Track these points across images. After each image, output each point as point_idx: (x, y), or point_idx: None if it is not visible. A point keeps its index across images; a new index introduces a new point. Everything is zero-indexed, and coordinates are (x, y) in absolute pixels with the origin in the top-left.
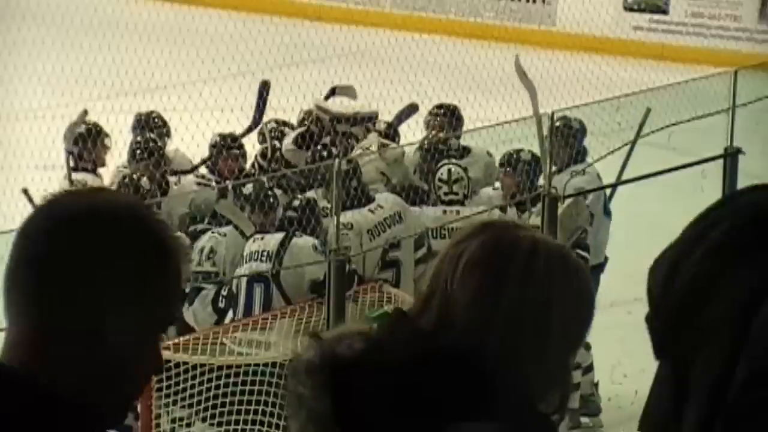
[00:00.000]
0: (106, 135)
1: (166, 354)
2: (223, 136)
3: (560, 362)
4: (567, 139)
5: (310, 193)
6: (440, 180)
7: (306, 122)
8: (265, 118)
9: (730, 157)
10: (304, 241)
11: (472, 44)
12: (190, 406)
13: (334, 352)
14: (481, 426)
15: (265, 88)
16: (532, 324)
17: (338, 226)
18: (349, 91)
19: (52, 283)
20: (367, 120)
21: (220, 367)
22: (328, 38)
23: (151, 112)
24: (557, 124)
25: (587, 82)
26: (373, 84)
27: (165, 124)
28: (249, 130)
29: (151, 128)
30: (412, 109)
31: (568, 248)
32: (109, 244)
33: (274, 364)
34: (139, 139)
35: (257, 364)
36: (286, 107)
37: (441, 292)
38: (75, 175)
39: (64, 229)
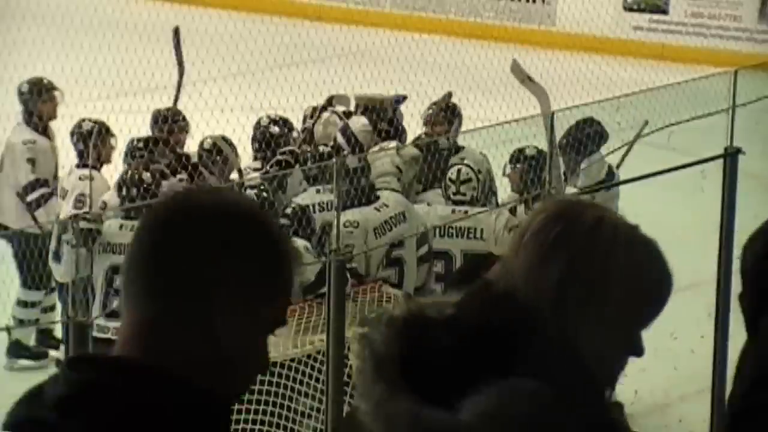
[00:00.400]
0: (112, 135)
1: None
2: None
3: (618, 336)
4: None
5: (308, 193)
6: (450, 180)
7: (358, 110)
8: (261, 114)
9: (730, 157)
10: (300, 243)
11: (471, 44)
12: None
13: (423, 311)
14: (520, 381)
15: (176, 35)
16: (585, 294)
17: (338, 226)
18: (343, 100)
19: (166, 275)
20: (398, 102)
21: None
22: (328, 38)
23: (169, 108)
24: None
25: (587, 82)
26: (373, 84)
27: (183, 119)
28: (179, 84)
29: (172, 123)
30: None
31: (637, 227)
32: (225, 241)
33: (274, 364)
34: (138, 137)
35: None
36: (286, 107)
37: (509, 261)
38: (79, 171)
39: (183, 222)
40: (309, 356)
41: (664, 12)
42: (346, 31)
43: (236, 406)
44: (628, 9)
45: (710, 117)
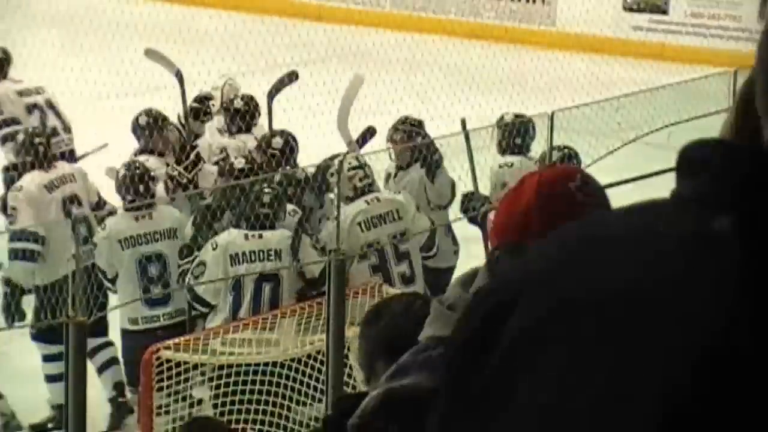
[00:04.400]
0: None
1: (166, 354)
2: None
3: None
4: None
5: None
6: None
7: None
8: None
9: None
10: (308, 240)
11: (472, 44)
12: (191, 405)
13: None
14: None
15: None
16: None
17: (339, 227)
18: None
19: None
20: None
21: (221, 367)
22: (328, 38)
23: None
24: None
25: (587, 82)
26: (374, 84)
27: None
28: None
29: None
30: (371, 133)
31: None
32: None
33: (275, 364)
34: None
35: (257, 364)
36: (286, 107)
37: None
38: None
39: None
40: (309, 356)
41: (664, 12)
42: (346, 31)
43: (235, 406)
44: (628, 9)
45: (710, 117)
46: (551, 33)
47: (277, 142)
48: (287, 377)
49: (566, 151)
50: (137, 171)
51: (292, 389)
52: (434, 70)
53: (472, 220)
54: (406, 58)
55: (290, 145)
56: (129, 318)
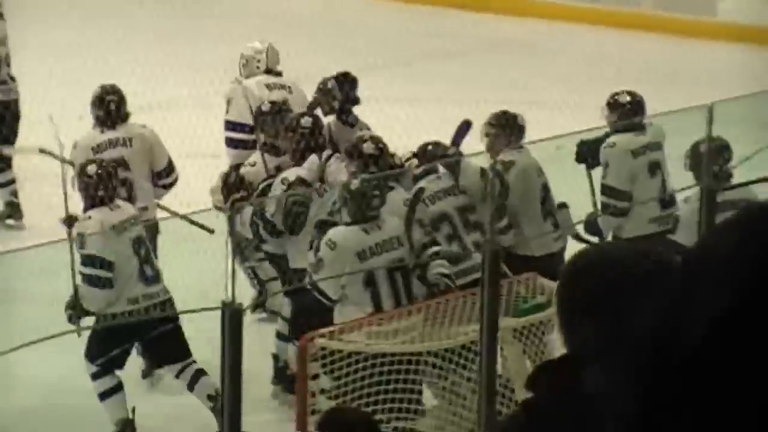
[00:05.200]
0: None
1: (320, 341)
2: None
3: None
4: None
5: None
6: None
7: None
8: (415, 104)
9: None
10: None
11: (629, 35)
12: (344, 394)
13: None
14: None
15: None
16: None
17: (493, 222)
18: None
19: None
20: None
21: (374, 356)
22: (466, 27)
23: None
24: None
25: (749, 74)
26: (527, 74)
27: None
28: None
29: None
30: (467, 127)
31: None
32: None
33: (428, 353)
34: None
35: (411, 353)
36: (431, 98)
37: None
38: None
39: None
40: (463, 347)
41: None
42: (491, 20)
43: (389, 395)
44: None
45: None
46: (713, 24)
47: (307, 120)
48: (440, 368)
49: (719, 143)
50: (109, 169)
51: (445, 379)
52: (578, 61)
53: (595, 233)
54: (559, 49)
55: (320, 124)
56: (128, 299)
